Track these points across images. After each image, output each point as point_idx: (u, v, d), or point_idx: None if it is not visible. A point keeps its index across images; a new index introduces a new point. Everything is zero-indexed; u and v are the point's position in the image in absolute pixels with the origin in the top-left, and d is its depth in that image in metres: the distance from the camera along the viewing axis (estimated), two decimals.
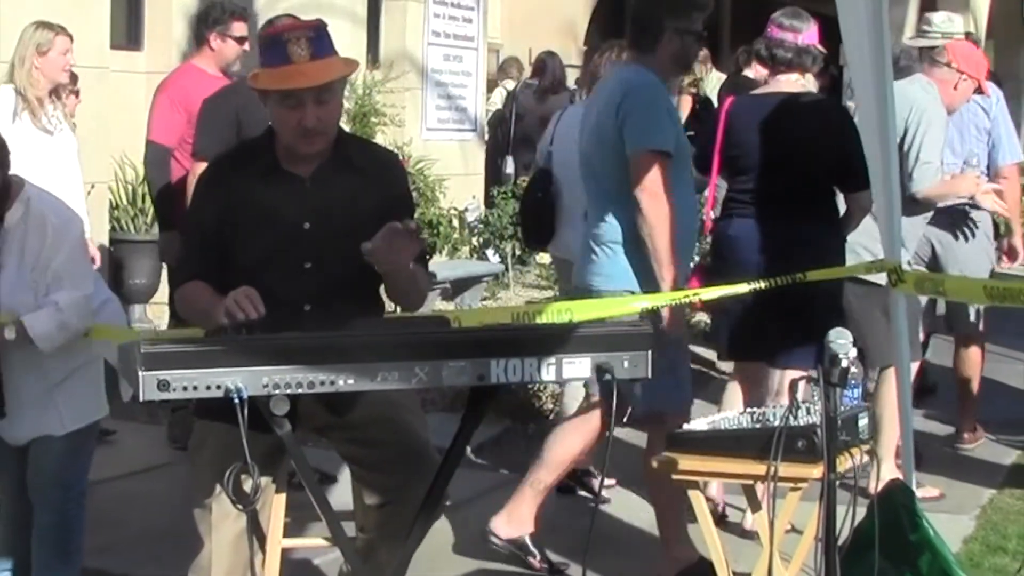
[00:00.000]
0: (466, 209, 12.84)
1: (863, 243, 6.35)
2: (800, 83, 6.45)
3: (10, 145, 6.21)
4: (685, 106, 13.94)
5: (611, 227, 5.64)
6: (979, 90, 7.24)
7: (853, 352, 4.23)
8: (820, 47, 6.46)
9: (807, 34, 6.37)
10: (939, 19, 7.97)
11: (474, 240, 12.86)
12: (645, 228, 5.46)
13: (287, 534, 4.61)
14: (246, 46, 7.42)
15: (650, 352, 4.00)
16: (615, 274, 5.60)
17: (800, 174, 6.16)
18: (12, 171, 4.88)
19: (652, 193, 5.45)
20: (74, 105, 7.38)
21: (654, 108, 5.54)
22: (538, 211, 7.16)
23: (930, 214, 7.11)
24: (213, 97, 6.95)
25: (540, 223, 7.18)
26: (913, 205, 6.80)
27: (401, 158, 9.59)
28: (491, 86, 15.09)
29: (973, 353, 8.12)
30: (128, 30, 10.94)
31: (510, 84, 14.62)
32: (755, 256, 6.18)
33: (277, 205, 4.36)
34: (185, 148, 7.15)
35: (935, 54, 7.18)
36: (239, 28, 7.40)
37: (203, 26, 7.41)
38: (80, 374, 5.00)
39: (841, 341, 4.17)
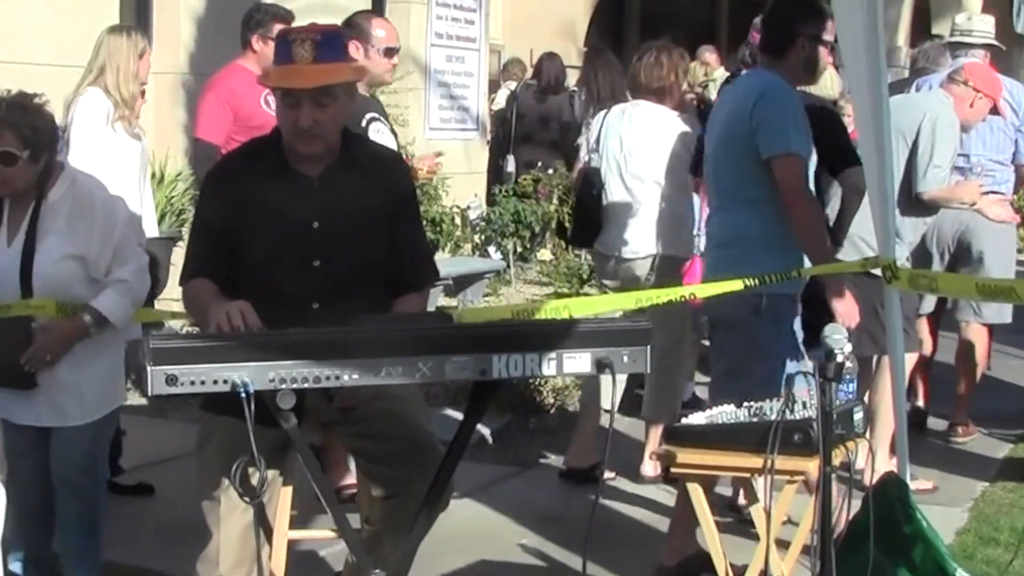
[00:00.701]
0: (468, 207, 12.85)
1: (862, 235, 6.38)
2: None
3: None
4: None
5: (735, 227, 5.62)
6: (995, 110, 7.32)
7: (848, 347, 4.25)
8: None
9: None
10: (960, 19, 8.29)
11: (476, 237, 12.86)
12: (799, 229, 5.45)
13: (293, 526, 4.62)
14: None
15: (649, 347, 4.00)
16: (738, 274, 5.53)
17: None
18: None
19: (800, 194, 5.45)
20: (139, 106, 7.35)
21: (788, 112, 5.51)
22: (591, 209, 7.24)
23: (931, 218, 7.16)
24: None
25: (592, 221, 7.26)
26: (918, 207, 6.88)
27: (404, 157, 9.58)
28: (493, 87, 15.08)
29: (969, 349, 8.14)
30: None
31: (514, 84, 14.64)
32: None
33: (286, 204, 4.37)
34: (232, 146, 7.10)
35: (953, 73, 7.31)
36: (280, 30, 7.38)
37: (246, 29, 7.35)
38: (104, 360, 5.06)
39: (836, 337, 4.18)
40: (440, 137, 13.41)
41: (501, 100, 14.62)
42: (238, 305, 4.08)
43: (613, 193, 7.15)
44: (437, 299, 10.27)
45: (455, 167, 13.18)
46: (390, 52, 6.56)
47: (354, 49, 6.40)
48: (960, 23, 8.53)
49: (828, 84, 6.99)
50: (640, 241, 7.05)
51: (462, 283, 11.10)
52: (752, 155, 5.48)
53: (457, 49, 13.93)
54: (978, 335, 8.15)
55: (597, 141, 7.29)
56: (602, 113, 7.48)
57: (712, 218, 5.80)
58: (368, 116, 6.37)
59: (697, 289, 5.79)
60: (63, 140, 6.62)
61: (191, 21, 11.02)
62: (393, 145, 6.43)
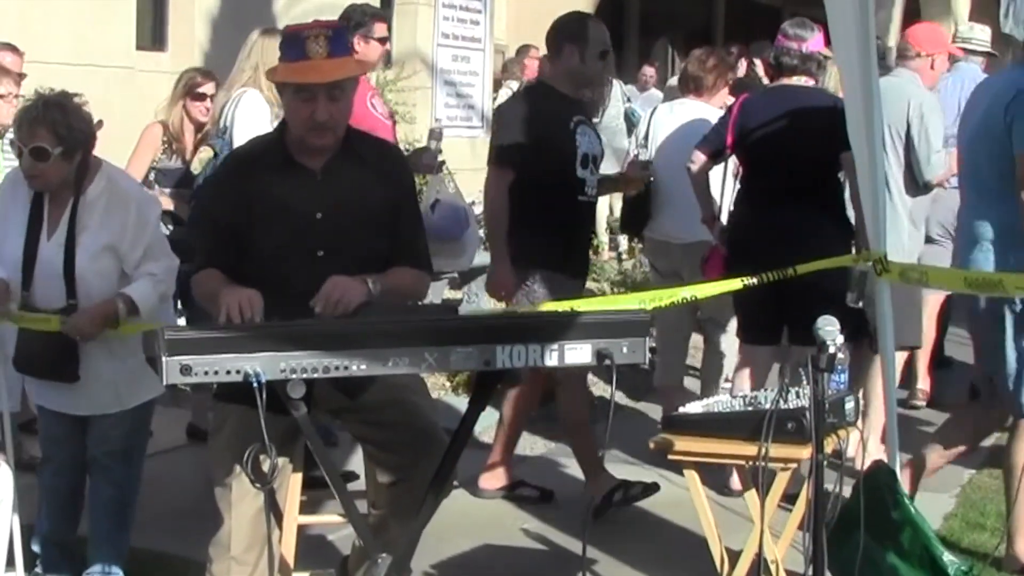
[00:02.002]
0: (473, 203, 12.83)
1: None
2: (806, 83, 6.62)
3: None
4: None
5: (986, 224, 5.57)
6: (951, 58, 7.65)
7: (840, 339, 4.24)
8: (826, 52, 6.61)
9: (812, 42, 6.60)
10: (963, 29, 8.93)
11: (481, 232, 12.85)
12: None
13: (303, 511, 4.62)
14: (388, 46, 7.34)
15: (647, 339, 4.00)
16: (997, 269, 5.47)
17: (806, 156, 6.35)
18: None
19: None
20: None
21: None
22: (641, 199, 7.44)
23: (932, 193, 7.37)
24: (510, 101, 6.78)
25: (642, 210, 7.47)
26: (921, 189, 7.14)
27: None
28: (497, 85, 15.07)
29: None
30: (153, 32, 10.95)
31: (515, 84, 14.61)
32: (766, 241, 6.33)
33: (290, 197, 4.38)
34: None
35: (902, 48, 7.53)
36: (380, 29, 7.30)
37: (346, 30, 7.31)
38: (140, 353, 5.07)
39: (828, 328, 4.18)
40: (446, 134, 13.40)
41: (502, 99, 14.59)
42: (248, 295, 4.08)
43: (663, 184, 7.34)
44: (443, 291, 10.27)
45: (460, 163, 13.18)
46: (604, 55, 6.56)
47: (568, 53, 6.41)
48: (962, 32, 8.92)
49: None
50: (687, 228, 7.18)
51: (467, 276, 11.06)
52: (1007, 151, 5.44)
53: (463, 49, 13.94)
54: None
55: (646, 136, 7.56)
56: (649, 110, 7.85)
57: (971, 215, 5.72)
58: (576, 119, 6.37)
59: (697, 290, 5.81)
60: (225, 141, 6.56)
61: (205, 22, 11.02)
62: (601, 147, 6.40)
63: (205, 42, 10.97)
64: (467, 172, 13.15)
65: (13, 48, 7.46)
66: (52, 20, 9.45)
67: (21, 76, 7.24)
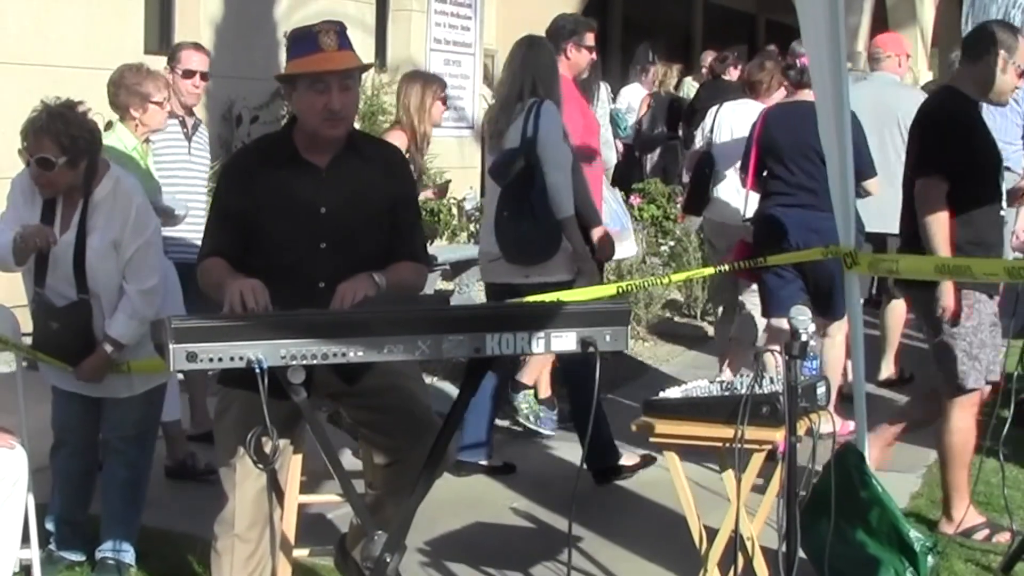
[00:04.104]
0: (464, 199, 12.83)
1: None
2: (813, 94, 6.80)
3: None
4: (645, 103, 14.16)
5: None
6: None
7: (812, 327, 4.25)
8: None
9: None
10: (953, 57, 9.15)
11: (471, 226, 12.84)
12: None
13: (303, 491, 4.62)
14: (594, 55, 7.44)
15: (628, 328, 4.00)
16: None
17: (807, 168, 6.83)
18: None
19: None
20: None
21: None
22: (703, 184, 7.98)
23: None
24: (933, 107, 6.00)
25: (703, 194, 8.00)
26: None
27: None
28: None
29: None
30: (160, 36, 10.91)
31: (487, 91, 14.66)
32: (790, 236, 6.78)
33: (296, 191, 4.38)
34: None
35: (875, 53, 8.15)
36: (590, 38, 7.35)
37: (559, 38, 7.28)
38: (148, 340, 5.09)
39: (801, 318, 4.18)
40: (437, 134, 13.36)
41: (480, 105, 14.59)
42: (252, 285, 4.07)
43: (724, 171, 7.85)
44: (435, 283, 10.29)
45: (451, 162, 13.17)
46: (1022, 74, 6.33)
47: (993, 59, 5.67)
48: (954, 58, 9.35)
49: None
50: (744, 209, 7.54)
51: (458, 268, 11.09)
52: None
53: (454, 53, 13.91)
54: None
55: (711, 130, 8.06)
56: (715, 108, 8.27)
57: None
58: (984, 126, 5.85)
59: (675, 276, 5.83)
60: (519, 148, 6.47)
61: (211, 28, 10.99)
62: None
63: (210, 46, 10.90)
64: (457, 170, 13.17)
65: (196, 47, 7.21)
66: (63, 24, 9.43)
67: (204, 76, 7.02)
